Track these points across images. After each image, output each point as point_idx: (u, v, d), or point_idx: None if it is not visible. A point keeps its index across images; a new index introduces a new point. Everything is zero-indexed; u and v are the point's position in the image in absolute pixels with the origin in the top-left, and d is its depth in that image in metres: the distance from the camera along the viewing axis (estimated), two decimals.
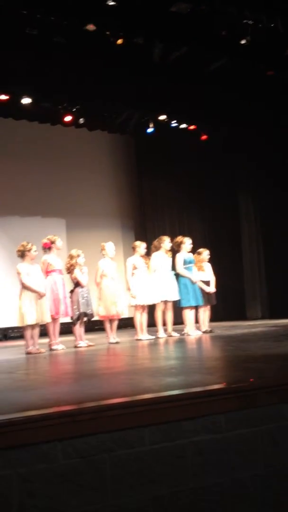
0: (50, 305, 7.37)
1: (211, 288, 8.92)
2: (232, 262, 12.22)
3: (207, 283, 8.89)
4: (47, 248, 7.72)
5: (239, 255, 12.31)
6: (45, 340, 7.60)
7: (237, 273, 12.17)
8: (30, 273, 7.17)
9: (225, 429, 3.23)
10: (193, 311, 8.68)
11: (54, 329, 7.59)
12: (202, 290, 8.75)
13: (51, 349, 7.44)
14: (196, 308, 8.75)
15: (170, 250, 8.74)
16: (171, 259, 8.69)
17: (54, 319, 7.51)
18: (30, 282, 7.12)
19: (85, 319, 7.92)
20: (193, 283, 8.53)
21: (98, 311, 8.04)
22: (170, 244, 8.74)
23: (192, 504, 3.09)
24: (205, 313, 8.97)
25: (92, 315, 7.95)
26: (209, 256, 9.14)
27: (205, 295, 8.81)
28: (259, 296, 12.15)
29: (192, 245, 8.81)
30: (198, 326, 8.84)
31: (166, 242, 8.70)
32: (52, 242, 7.73)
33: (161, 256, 8.62)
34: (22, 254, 7.27)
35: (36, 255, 7.36)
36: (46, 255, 7.70)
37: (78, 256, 7.94)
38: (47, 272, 7.58)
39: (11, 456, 2.73)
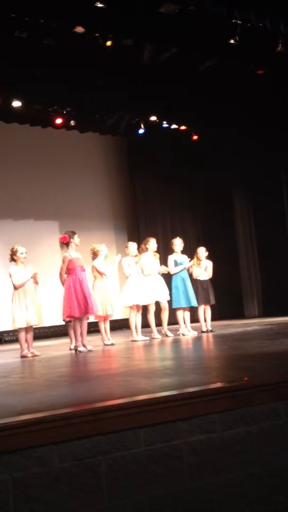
0: (74, 304, 7.03)
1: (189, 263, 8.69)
2: (228, 261, 12.22)
3: (203, 282, 8.84)
4: (64, 243, 7.27)
5: (234, 254, 12.32)
6: (44, 343, 7.53)
7: (233, 272, 12.18)
8: (22, 275, 7.14)
9: (221, 428, 3.24)
10: (187, 312, 8.70)
11: (82, 329, 7.17)
12: (199, 290, 8.73)
13: (76, 350, 7.07)
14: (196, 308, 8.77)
15: (157, 251, 8.75)
16: (158, 260, 8.69)
17: (79, 319, 7.15)
18: (20, 280, 7.06)
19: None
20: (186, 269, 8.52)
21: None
22: (156, 245, 8.74)
23: (189, 504, 3.09)
24: (206, 313, 8.92)
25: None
26: (207, 253, 9.06)
27: (203, 294, 8.79)
28: (255, 294, 12.19)
29: (183, 244, 8.81)
30: (198, 325, 8.82)
31: (151, 243, 8.68)
32: (71, 237, 7.27)
33: (150, 257, 8.62)
34: (11, 257, 7.27)
35: (25, 257, 7.26)
36: (66, 252, 7.25)
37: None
38: (70, 270, 7.15)
39: (7, 460, 2.73)
